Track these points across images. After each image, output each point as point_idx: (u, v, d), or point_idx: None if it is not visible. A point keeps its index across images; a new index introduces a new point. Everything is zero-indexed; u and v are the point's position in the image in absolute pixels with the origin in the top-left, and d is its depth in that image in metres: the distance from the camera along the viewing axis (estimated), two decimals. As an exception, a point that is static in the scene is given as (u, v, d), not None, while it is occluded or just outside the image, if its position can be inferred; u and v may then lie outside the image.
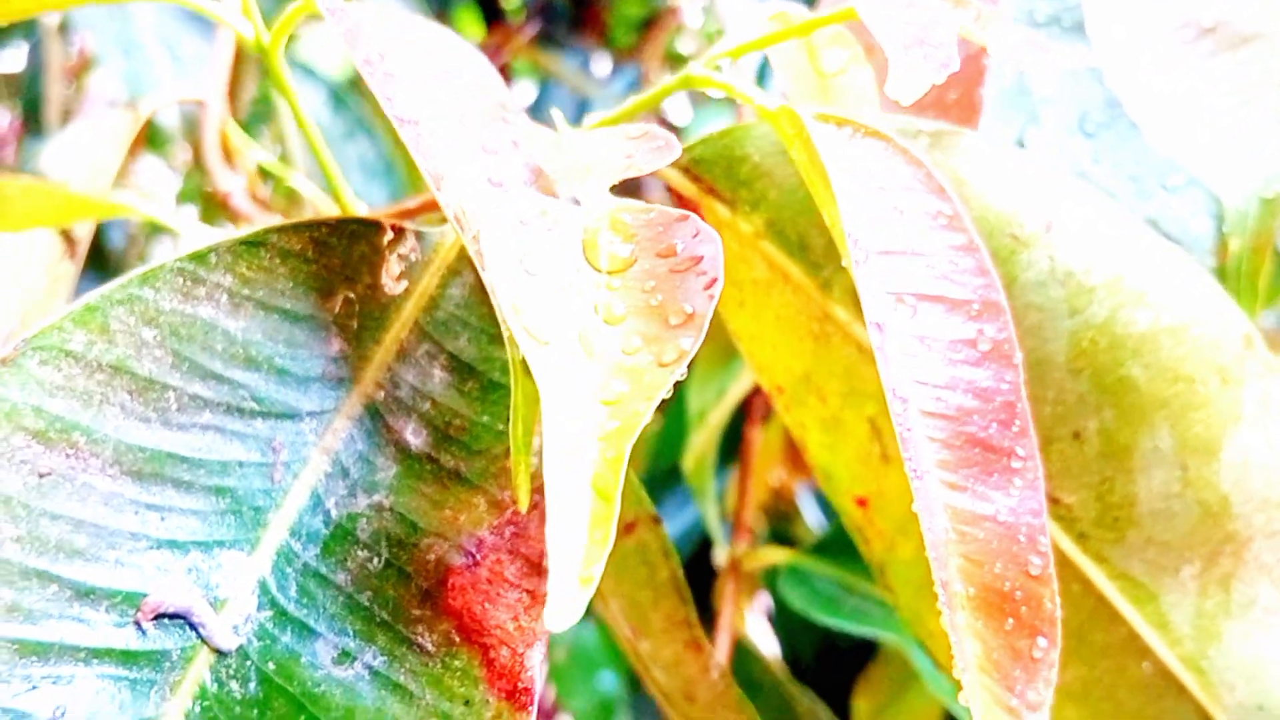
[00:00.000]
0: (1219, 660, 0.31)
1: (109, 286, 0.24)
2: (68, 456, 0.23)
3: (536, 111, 0.64)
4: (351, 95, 0.71)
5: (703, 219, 0.23)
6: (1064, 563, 0.31)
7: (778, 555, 0.51)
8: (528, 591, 0.24)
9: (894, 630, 0.44)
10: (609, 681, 1.31)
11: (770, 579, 0.54)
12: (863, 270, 0.24)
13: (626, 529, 0.36)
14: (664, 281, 0.22)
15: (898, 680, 0.53)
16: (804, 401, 0.35)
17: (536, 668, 0.23)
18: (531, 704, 0.22)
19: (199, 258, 0.25)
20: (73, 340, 0.24)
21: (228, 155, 0.55)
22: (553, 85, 0.97)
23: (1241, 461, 0.30)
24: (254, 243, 0.26)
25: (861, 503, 0.36)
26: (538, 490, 0.25)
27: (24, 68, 0.93)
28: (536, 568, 0.24)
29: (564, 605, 0.17)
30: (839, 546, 0.50)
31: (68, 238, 0.48)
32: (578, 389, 0.19)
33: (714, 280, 0.22)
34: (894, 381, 0.24)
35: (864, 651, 0.55)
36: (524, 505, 0.24)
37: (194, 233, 0.43)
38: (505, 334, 0.21)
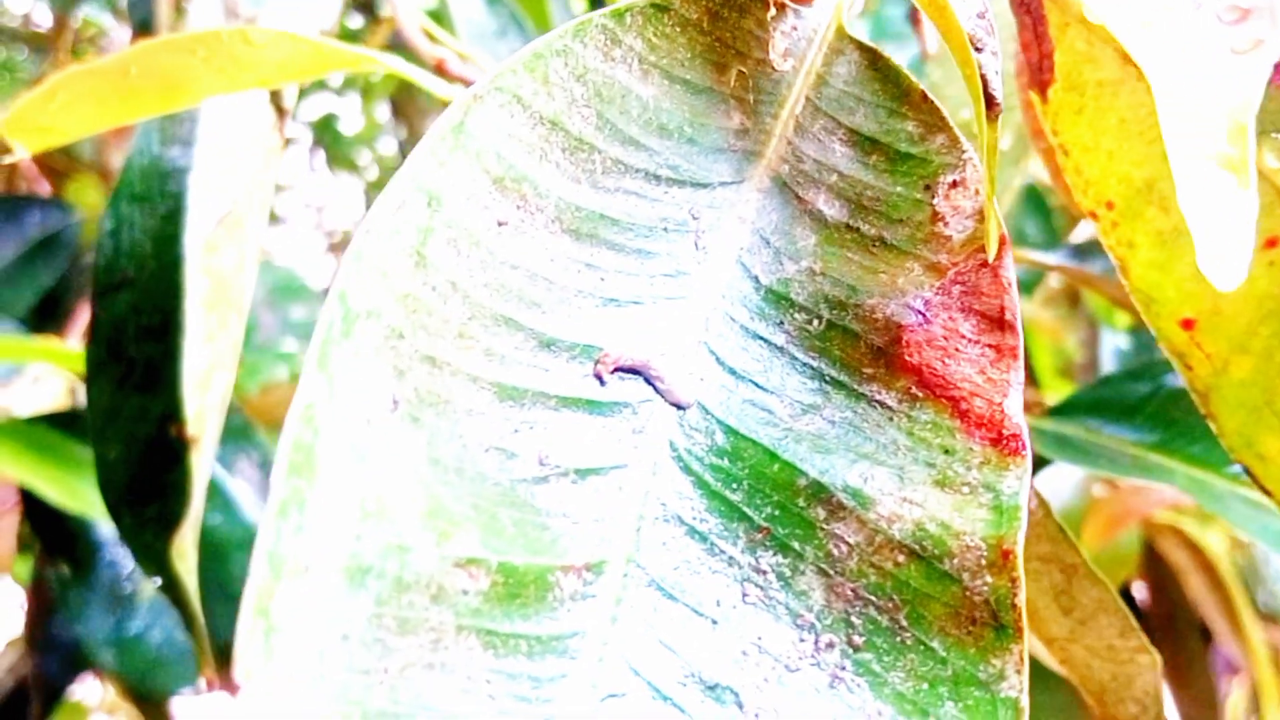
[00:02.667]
0: None
1: (550, 35, 0.23)
2: (518, 208, 0.23)
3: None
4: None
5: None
6: None
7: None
8: (990, 346, 0.23)
9: (1178, 481, 0.43)
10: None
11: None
12: None
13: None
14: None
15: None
16: (1139, 214, 0.33)
17: (1021, 418, 0.22)
18: (1023, 449, 0.21)
19: (618, 15, 0.25)
20: (523, 87, 0.23)
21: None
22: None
23: None
24: (661, 7, 0.25)
25: (1188, 325, 0.35)
26: (978, 247, 0.24)
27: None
28: (997, 322, 0.23)
29: (1223, 264, 0.16)
30: (1080, 409, 0.49)
31: (278, 106, 0.47)
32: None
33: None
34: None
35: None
36: (992, 250, 0.23)
37: (444, 89, 0.43)
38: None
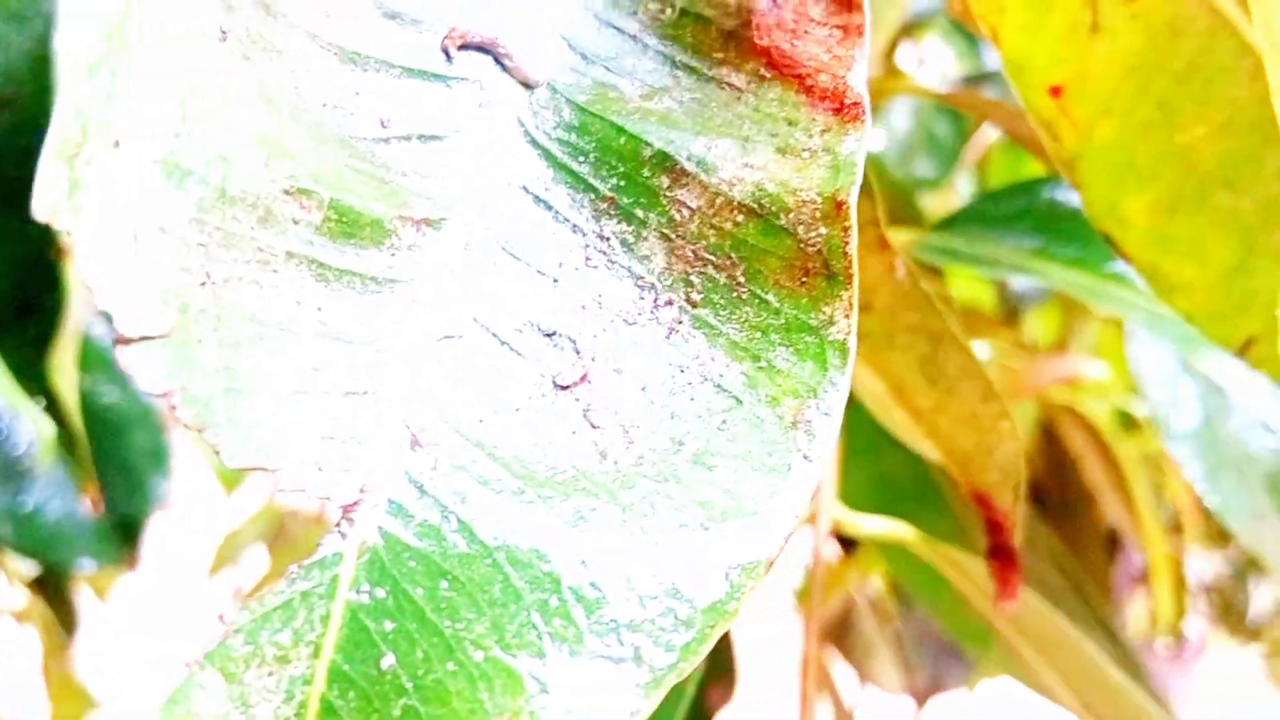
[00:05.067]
0: None
1: None
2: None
3: None
4: None
5: None
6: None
7: (906, 235, 0.51)
8: (838, 27, 0.23)
9: (1051, 278, 0.44)
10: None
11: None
12: None
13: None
14: None
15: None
16: (1013, -25, 0.34)
17: (863, 88, 0.22)
18: (862, 114, 0.22)
19: None
20: None
21: None
22: None
23: None
24: None
25: (1055, 91, 0.35)
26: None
27: None
28: (845, 4, 0.23)
29: None
30: (968, 220, 0.50)
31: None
32: None
33: None
34: None
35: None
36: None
37: None
38: None
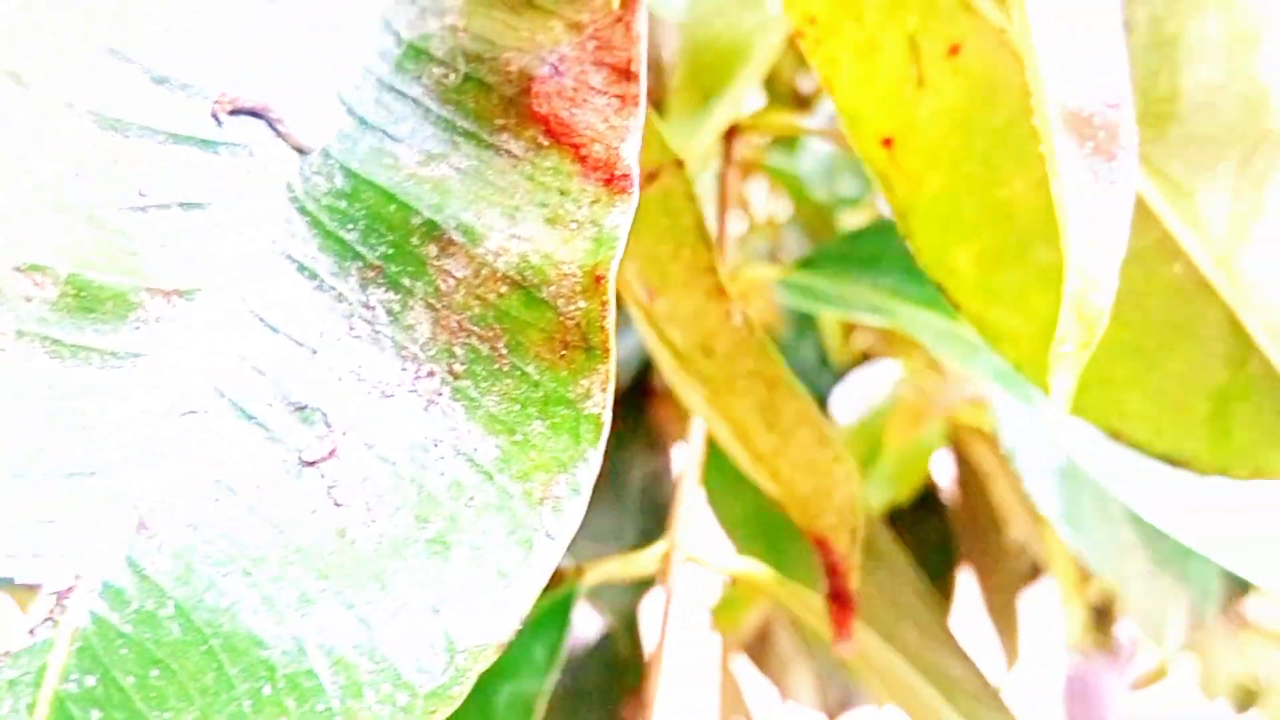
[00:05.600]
0: (1248, 260, 0.32)
1: None
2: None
3: None
4: None
5: None
6: (1105, 165, 0.31)
7: (769, 272, 0.52)
8: (616, 96, 0.23)
9: (900, 320, 0.45)
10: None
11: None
12: None
13: (649, 178, 0.35)
14: None
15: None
16: (838, 29, 0.34)
17: (634, 161, 0.22)
18: (631, 188, 0.22)
19: None
20: None
21: None
22: None
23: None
24: None
25: (888, 143, 0.36)
26: (621, 5, 0.24)
27: None
28: (624, 74, 0.23)
29: None
30: (828, 260, 0.50)
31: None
32: None
33: None
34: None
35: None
36: (616, 1, 0.23)
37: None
38: None
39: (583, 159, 0.22)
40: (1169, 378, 0.33)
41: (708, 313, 0.37)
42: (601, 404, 0.20)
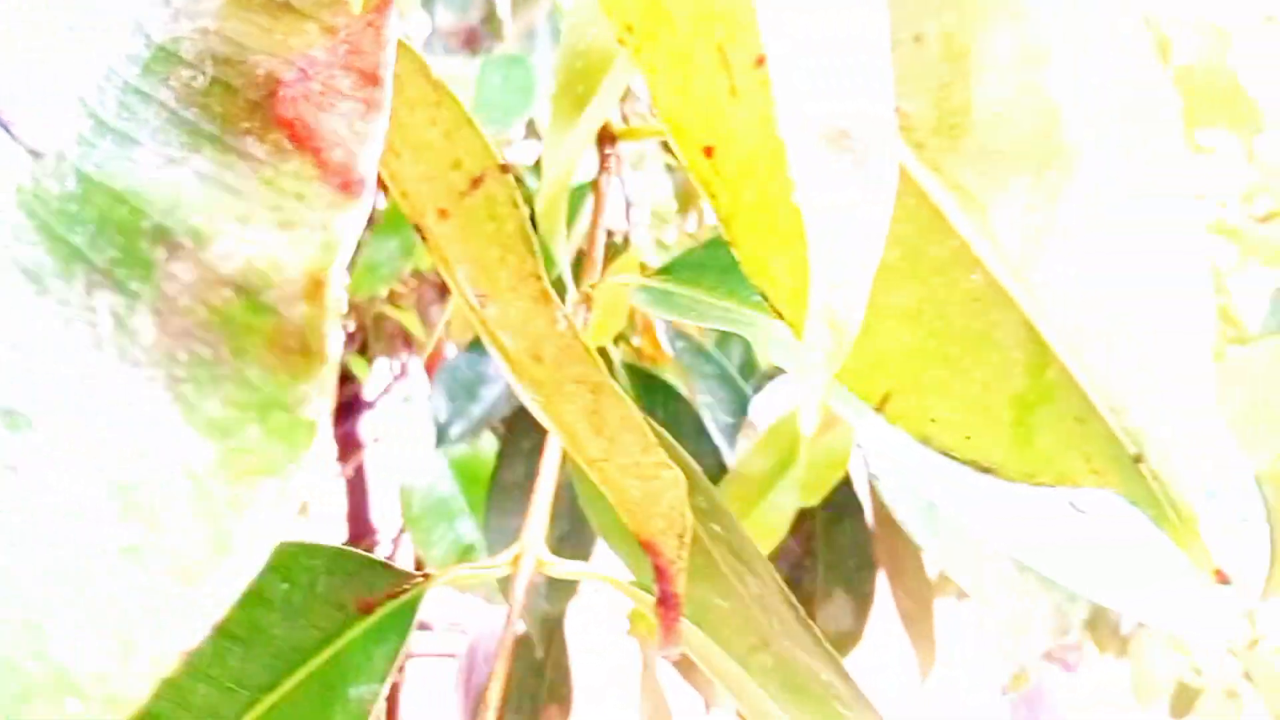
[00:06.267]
0: (1043, 272, 0.32)
1: None
2: None
3: None
4: None
5: None
6: (903, 175, 0.32)
7: (629, 279, 0.52)
8: (363, 101, 0.23)
9: (756, 330, 0.45)
10: (467, 528, 1.31)
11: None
12: None
13: (473, 183, 0.35)
14: None
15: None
16: (654, 36, 0.34)
17: (371, 166, 0.22)
18: (364, 192, 0.22)
19: None
20: None
21: None
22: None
23: (1071, 71, 0.31)
24: None
25: (708, 152, 0.36)
26: (373, 9, 0.24)
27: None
28: (371, 78, 0.23)
29: None
30: (685, 266, 0.50)
31: None
32: None
33: None
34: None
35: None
36: (358, 6, 0.23)
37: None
38: None
39: (324, 164, 0.22)
40: (974, 384, 0.33)
41: (535, 318, 0.37)
42: (318, 410, 0.20)
